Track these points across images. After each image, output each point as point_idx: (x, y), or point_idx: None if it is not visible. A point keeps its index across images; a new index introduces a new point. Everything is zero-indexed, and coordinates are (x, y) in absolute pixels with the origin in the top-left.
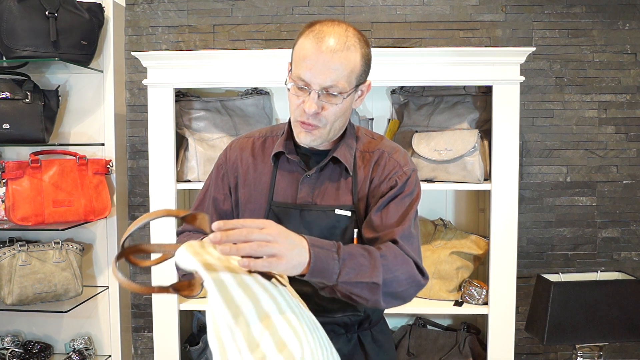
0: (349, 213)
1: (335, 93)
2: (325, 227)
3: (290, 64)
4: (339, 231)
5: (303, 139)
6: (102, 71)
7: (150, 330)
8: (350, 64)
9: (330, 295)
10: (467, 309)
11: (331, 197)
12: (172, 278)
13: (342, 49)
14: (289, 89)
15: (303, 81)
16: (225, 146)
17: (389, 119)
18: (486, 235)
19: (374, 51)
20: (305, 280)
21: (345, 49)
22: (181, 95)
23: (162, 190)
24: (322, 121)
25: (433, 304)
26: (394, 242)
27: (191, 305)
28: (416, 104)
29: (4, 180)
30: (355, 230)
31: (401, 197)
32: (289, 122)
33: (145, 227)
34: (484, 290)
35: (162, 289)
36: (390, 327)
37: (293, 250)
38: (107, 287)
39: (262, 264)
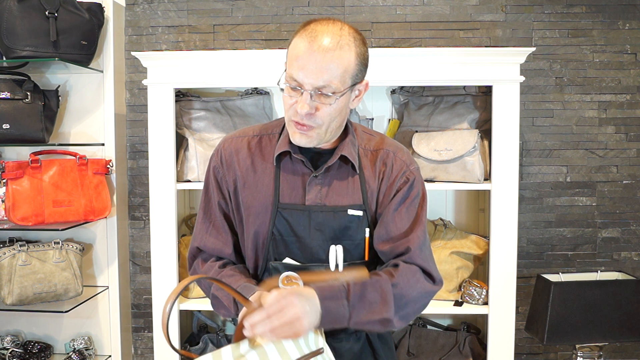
0: (360, 213)
1: (328, 93)
2: (338, 228)
3: (286, 63)
4: (352, 232)
5: (298, 140)
6: (102, 71)
7: (150, 330)
8: (343, 63)
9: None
10: (467, 309)
11: (341, 197)
12: (171, 277)
13: (334, 48)
14: (282, 89)
15: (295, 81)
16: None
17: (389, 119)
18: (486, 235)
19: (374, 51)
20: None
21: (338, 47)
22: (181, 95)
23: (162, 190)
24: (317, 122)
25: (433, 303)
26: (408, 250)
27: (191, 305)
28: (416, 104)
29: (4, 180)
30: (367, 230)
31: (411, 199)
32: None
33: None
34: (484, 290)
35: None
36: None
37: (311, 316)
38: (107, 287)
39: (288, 335)
